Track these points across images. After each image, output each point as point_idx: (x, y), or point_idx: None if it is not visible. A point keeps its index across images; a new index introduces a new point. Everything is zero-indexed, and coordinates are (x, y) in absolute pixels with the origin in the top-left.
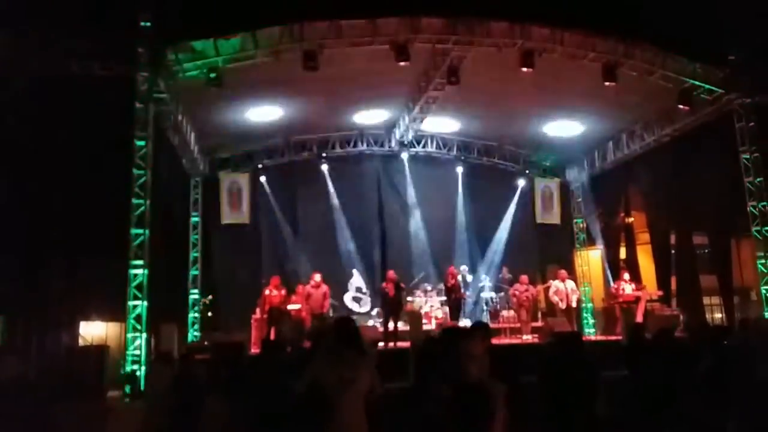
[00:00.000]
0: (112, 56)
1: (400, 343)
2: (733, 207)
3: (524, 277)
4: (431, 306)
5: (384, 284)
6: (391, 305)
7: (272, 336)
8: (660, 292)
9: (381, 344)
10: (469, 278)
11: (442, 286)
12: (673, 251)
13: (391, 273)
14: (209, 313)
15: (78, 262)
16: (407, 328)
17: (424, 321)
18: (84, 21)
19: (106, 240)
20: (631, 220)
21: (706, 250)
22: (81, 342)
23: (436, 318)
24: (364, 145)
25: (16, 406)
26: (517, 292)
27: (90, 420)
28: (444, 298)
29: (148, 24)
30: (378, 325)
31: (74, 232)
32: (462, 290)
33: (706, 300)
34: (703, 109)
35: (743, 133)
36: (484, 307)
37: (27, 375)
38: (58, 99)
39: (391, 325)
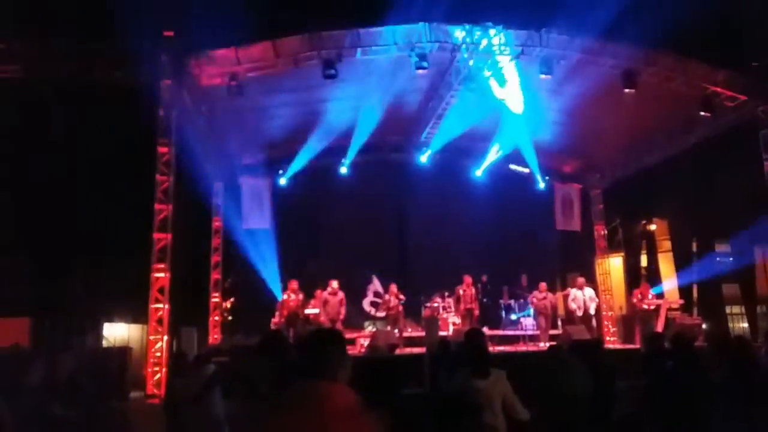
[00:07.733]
0: (136, 65)
1: (416, 349)
2: (756, 215)
3: (543, 284)
4: (448, 313)
5: (386, 296)
6: (394, 316)
7: (291, 340)
8: (681, 301)
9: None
10: None
11: (459, 292)
12: (695, 259)
13: (393, 287)
14: (229, 317)
15: (102, 265)
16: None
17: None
18: (108, 30)
19: (130, 244)
20: (653, 227)
21: (729, 259)
22: (104, 343)
23: (454, 324)
24: (384, 151)
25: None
26: (535, 300)
27: (113, 420)
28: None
29: (171, 33)
30: (396, 330)
31: (98, 235)
32: (475, 300)
33: (728, 309)
34: (726, 116)
35: (766, 140)
36: (503, 315)
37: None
38: (84, 106)
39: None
